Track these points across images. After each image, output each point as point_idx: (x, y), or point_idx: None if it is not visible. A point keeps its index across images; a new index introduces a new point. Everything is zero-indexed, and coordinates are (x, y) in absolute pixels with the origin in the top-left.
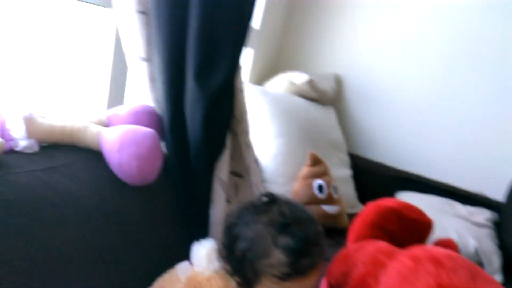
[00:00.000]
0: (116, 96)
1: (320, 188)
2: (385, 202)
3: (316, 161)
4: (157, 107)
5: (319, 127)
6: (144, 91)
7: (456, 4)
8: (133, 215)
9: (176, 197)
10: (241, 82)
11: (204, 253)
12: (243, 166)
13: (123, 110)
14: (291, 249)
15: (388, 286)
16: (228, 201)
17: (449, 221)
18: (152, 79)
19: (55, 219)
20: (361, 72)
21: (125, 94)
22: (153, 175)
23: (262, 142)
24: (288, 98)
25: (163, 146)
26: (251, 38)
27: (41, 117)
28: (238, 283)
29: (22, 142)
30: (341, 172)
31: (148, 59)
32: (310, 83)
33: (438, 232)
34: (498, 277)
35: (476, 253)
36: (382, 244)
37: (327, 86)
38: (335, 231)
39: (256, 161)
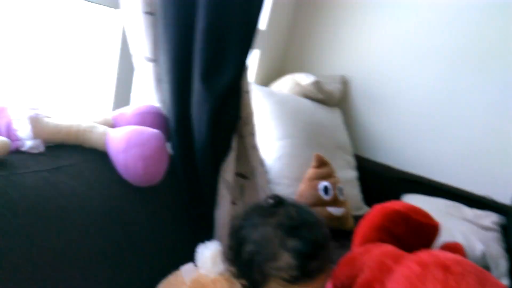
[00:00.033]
0: (122, 96)
1: (326, 189)
2: (391, 205)
3: (321, 163)
4: (163, 108)
5: (325, 128)
6: (150, 91)
7: (463, 6)
8: (138, 217)
9: (181, 198)
10: (247, 84)
11: (209, 255)
12: (249, 168)
13: (129, 110)
14: (299, 252)
15: None
16: (233, 202)
17: (455, 224)
18: (158, 80)
19: (60, 220)
20: (367, 73)
21: (131, 95)
22: (158, 176)
23: (268, 143)
24: (294, 99)
25: (168, 147)
26: (257, 39)
27: (47, 117)
28: (244, 286)
29: (28, 142)
30: (347, 174)
31: (154, 60)
32: (316, 84)
33: (444, 235)
34: (505, 281)
35: (483, 257)
36: (389, 248)
37: (333, 87)
38: (341, 233)
39: (261, 163)
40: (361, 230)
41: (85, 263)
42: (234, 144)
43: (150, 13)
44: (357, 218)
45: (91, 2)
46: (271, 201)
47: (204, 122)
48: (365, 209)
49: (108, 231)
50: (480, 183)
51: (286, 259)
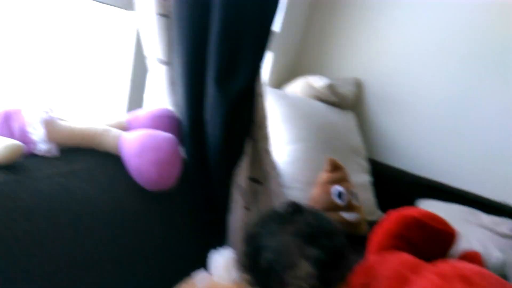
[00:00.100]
0: (136, 99)
1: (339, 194)
2: (407, 211)
3: (335, 167)
4: (176, 111)
5: (338, 132)
6: (164, 94)
7: (480, 6)
8: (151, 222)
9: (194, 203)
10: (261, 87)
11: (222, 262)
12: (262, 173)
13: (143, 113)
14: (320, 261)
15: None
16: (246, 208)
17: (472, 231)
18: (172, 83)
19: (73, 225)
20: (382, 76)
21: (145, 97)
22: (171, 180)
23: (280, 147)
24: (307, 102)
25: (182, 151)
26: (271, 41)
27: (61, 120)
28: None
29: (42, 145)
30: (361, 178)
31: (168, 63)
32: (330, 87)
33: (461, 242)
34: None
35: (501, 265)
36: (406, 257)
37: (347, 90)
38: (354, 239)
39: (274, 167)
40: (376, 237)
41: (97, 269)
42: (247, 148)
43: (164, 15)
44: (371, 224)
45: (106, 4)
46: (288, 208)
47: (217, 126)
48: (378, 214)
49: (121, 237)
50: (498, 189)
51: (305, 268)
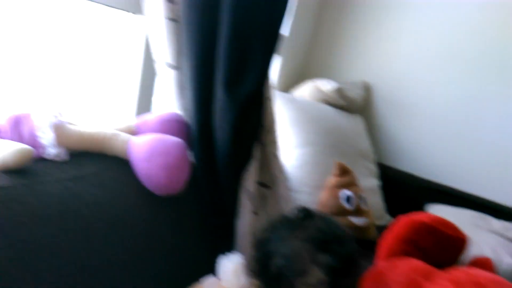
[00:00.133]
0: (145, 103)
1: (348, 198)
2: (418, 216)
3: (343, 171)
4: (185, 115)
5: (346, 135)
6: (172, 99)
7: (490, 12)
8: (160, 227)
9: (202, 207)
10: (270, 91)
11: (231, 267)
12: (270, 177)
13: (152, 117)
14: (331, 268)
15: None
16: (255, 212)
17: (482, 236)
18: (181, 87)
19: (81, 230)
20: (391, 80)
21: (154, 101)
22: (180, 185)
23: (288, 151)
24: (315, 106)
25: (190, 155)
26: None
27: (71, 124)
28: None
29: (51, 150)
30: (369, 183)
31: (177, 67)
32: (339, 90)
33: (472, 248)
34: None
35: None
36: (417, 263)
37: (355, 94)
38: (363, 244)
39: (282, 172)
40: (385, 242)
41: (105, 273)
42: (256, 152)
43: (173, 19)
44: (379, 228)
45: (115, 8)
46: (298, 213)
47: (226, 130)
48: (387, 218)
49: (129, 242)
50: (508, 194)
51: (317, 275)
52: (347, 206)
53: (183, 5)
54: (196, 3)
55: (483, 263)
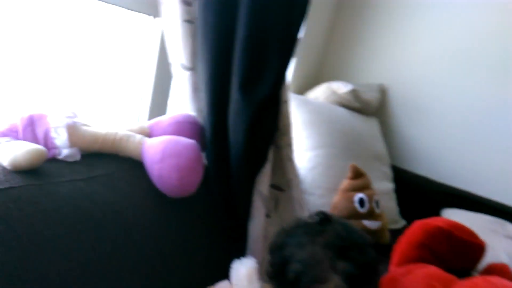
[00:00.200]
0: (159, 105)
1: (361, 202)
2: (433, 221)
3: (357, 174)
4: (199, 117)
5: (361, 138)
6: (187, 100)
7: (510, 15)
8: (171, 230)
9: (215, 210)
10: (286, 93)
11: (244, 272)
12: (285, 180)
13: (165, 119)
14: (351, 275)
15: None
16: (267, 215)
17: (499, 242)
18: (195, 89)
19: (92, 232)
20: (406, 82)
21: (168, 103)
22: (193, 187)
23: (302, 153)
24: (329, 108)
25: (203, 157)
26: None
27: (84, 125)
28: None
29: (64, 150)
30: (383, 186)
31: (192, 69)
32: (354, 93)
33: (487, 254)
34: None
35: None
36: (434, 270)
37: (371, 96)
38: (376, 248)
39: (297, 175)
40: (400, 247)
41: (116, 277)
42: (270, 155)
43: (189, 21)
44: (393, 232)
45: (132, 10)
46: (317, 218)
47: (240, 133)
48: (401, 223)
49: (140, 245)
50: None
51: (336, 282)
52: (360, 209)
53: (199, 6)
54: (213, 4)
55: (500, 270)
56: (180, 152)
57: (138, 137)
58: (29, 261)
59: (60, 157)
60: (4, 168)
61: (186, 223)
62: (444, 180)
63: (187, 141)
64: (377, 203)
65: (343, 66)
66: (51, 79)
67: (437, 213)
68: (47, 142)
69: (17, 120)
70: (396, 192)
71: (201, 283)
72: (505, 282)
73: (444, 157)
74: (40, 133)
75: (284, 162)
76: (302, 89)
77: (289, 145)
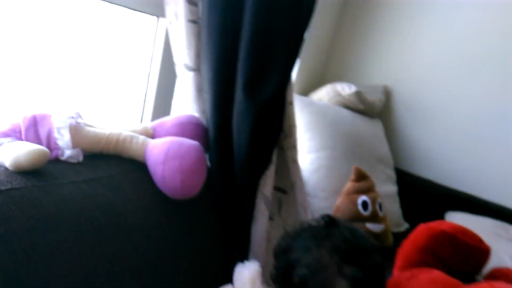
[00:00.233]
0: (163, 105)
1: (365, 204)
2: (438, 224)
3: (361, 176)
4: (203, 118)
5: (365, 140)
6: (190, 101)
7: None
8: (174, 232)
9: (218, 212)
10: (291, 95)
11: (247, 275)
12: (288, 182)
13: (169, 120)
14: (358, 280)
15: None
16: (270, 218)
17: (503, 246)
18: (199, 90)
19: (95, 234)
20: (411, 84)
21: (172, 104)
22: (196, 189)
23: (305, 154)
24: (333, 110)
25: (207, 159)
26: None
27: (87, 125)
28: None
29: (67, 151)
30: (387, 188)
31: (195, 69)
32: (358, 94)
33: (492, 258)
34: None
35: None
36: (438, 274)
37: (375, 98)
38: (380, 251)
39: (301, 177)
40: (404, 251)
41: (118, 279)
42: (274, 157)
43: (193, 21)
44: (396, 235)
45: (136, 10)
46: (323, 221)
47: (244, 134)
48: (405, 226)
49: (143, 248)
50: None
51: (342, 287)
52: (363, 212)
53: (204, 6)
54: (218, 4)
55: (505, 274)
56: (184, 153)
57: (142, 138)
58: (31, 264)
59: (63, 158)
60: (6, 169)
61: (189, 225)
62: (448, 183)
63: (190, 143)
64: (380, 206)
65: (347, 67)
66: (54, 79)
67: (440, 217)
68: (49, 142)
69: (20, 120)
70: (400, 194)
71: (204, 287)
72: (509, 286)
73: (448, 159)
74: (43, 133)
75: (288, 164)
76: (306, 90)
77: (293, 147)
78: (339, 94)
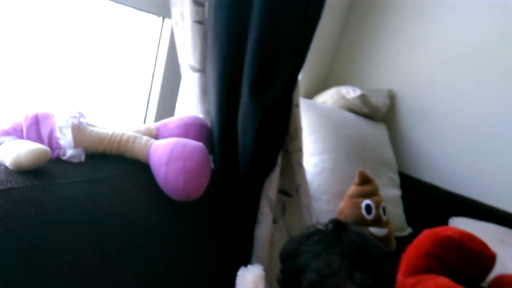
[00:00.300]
0: (167, 106)
1: (368, 208)
2: (443, 230)
3: (365, 180)
4: (207, 119)
5: (369, 143)
6: (195, 102)
7: None
8: (176, 234)
9: (221, 215)
10: (297, 97)
11: (250, 279)
12: (293, 185)
13: (173, 121)
14: (369, 286)
15: None
16: (274, 221)
17: (507, 252)
18: (204, 91)
19: (96, 236)
20: (416, 88)
21: (176, 105)
22: (199, 191)
23: (308, 157)
24: (337, 113)
25: (211, 160)
26: None
27: (90, 125)
28: None
29: (69, 150)
30: (390, 192)
31: (200, 70)
32: (363, 98)
33: (496, 264)
34: None
35: None
36: (444, 281)
37: (380, 101)
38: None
39: (306, 181)
40: (408, 256)
41: (119, 281)
42: (280, 159)
43: (199, 22)
44: (399, 240)
45: (140, 10)
46: (331, 226)
47: (249, 136)
48: (408, 230)
49: (144, 250)
50: None
51: None
52: (367, 216)
53: (210, 7)
54: (224, 4)
55: (511, 282)
56: (188, 154)
57: (145, 138)
58: (30, 265)
59: (65, 157)
60: (6, 168)
61: (191, 228)
62: (452, 188)
63: (195, 144)
64: (384, 210)
65: (352, 70)
66: (58, 78)
67: (444, 222)
68: (51, 142)
69: (22, 118)
70: (403, 199)
71: None
72: None
73: (453, 164)
74: (44, 132)
75: (293, 167)
76: (310, 93)
77: (299, 150)
78: (343, 97)
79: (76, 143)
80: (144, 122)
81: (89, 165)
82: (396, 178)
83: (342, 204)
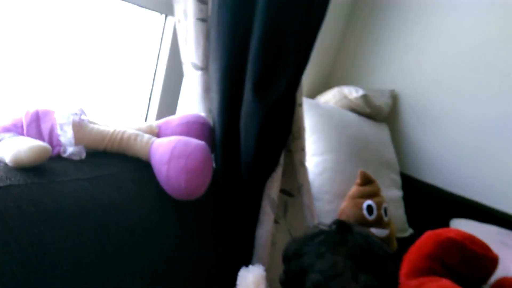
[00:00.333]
0: (169, 104)
1: (370, 209)
2: (445, 232)
3: (367, 180)
4: (209, 117)
5: (371, 144)
6: (197, 101)
7: None
8: (177, 233)
9: (222, 214)
10: (301, 97)
11: (251, 280)
12: (296, 185)
13: (174, 119)
14: None
15: None
16: (276, 221)
17: (509, 254)
18: (206, 89)
19: (95, 234)
20: (418, 89)
21: (178, 103)
22: (200, 190)
23: (310, 157)
24: (339, 113)
25: (213, 159)
26: None
27: (91, 122)
28: None
29: (69, 148)
30: (392, 193)
31: (204, 68)
32: (365, 98)
33: (498, 267)
34: None
35: None
36: (446, 283)
37: (382, 102)
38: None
39: (308, 181)
40: (410, 258)
41: (118, 280)
42: (282, 159)
43: (202, 19)
44: (400, 241)
45: (142, 7)
46: (335, 226)
47: (252, 135)
48: (409, 231)
49: (144, 249)
50: None
51: None
52: (368, 217)
53: (214, 4)
54: (228, 2)
55: (511, 284)
56: (190, 153)
57: (146, 136)
58: (29, 263)
59: (65, 155)
60: (5, 165)
61: (192, 227)
62: (454, 189)
63: (197, 142)
64: (385, 210)
65: (355, 70)
66: (60, 75)
67: (446, 223)
68: (52, 139)
69: (22, 115)
70: (405, 200)
71: None
72: None
73: (455, 166)
74: (45, 129)
75: (295, 167)
76: (313, 93)
77: (301, 149)
78: (346, 97)
79: (77, 141)
80: (146, 120)
81: (89, 162)
82: (398, 179)
83: (344, 204)
